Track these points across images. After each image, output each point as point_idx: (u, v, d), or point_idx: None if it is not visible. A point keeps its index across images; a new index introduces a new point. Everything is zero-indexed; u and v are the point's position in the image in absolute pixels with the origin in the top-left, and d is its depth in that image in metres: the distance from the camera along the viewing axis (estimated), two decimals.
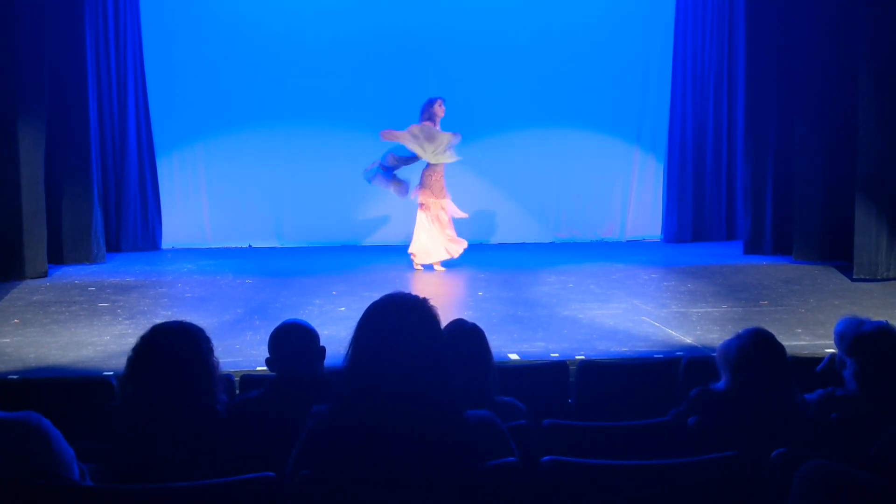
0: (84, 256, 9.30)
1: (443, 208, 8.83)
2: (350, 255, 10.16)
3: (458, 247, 8.90)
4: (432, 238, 8.83)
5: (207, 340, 2.93)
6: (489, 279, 8.55)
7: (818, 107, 9.20)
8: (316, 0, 10.64)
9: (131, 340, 2.92)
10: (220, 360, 2.97)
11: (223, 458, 2.67)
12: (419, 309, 2.43)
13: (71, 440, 2.43)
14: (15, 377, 5.21)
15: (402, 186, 8.85)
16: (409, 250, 8.98)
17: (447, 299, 7.80)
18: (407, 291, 2.49)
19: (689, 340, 6.26)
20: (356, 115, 10.73)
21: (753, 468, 2.64)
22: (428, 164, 8.76)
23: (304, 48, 10.62)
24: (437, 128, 8.60)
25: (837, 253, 9.14)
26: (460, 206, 9.06)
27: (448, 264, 8.93)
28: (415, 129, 8.53)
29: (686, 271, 8.93)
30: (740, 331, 3.30)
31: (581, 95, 10.96)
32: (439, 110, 8.66)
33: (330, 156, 10.75)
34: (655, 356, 5.69)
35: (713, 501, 2.66)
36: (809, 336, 6.35)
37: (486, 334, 3.47)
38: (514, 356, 5.78)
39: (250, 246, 10.74)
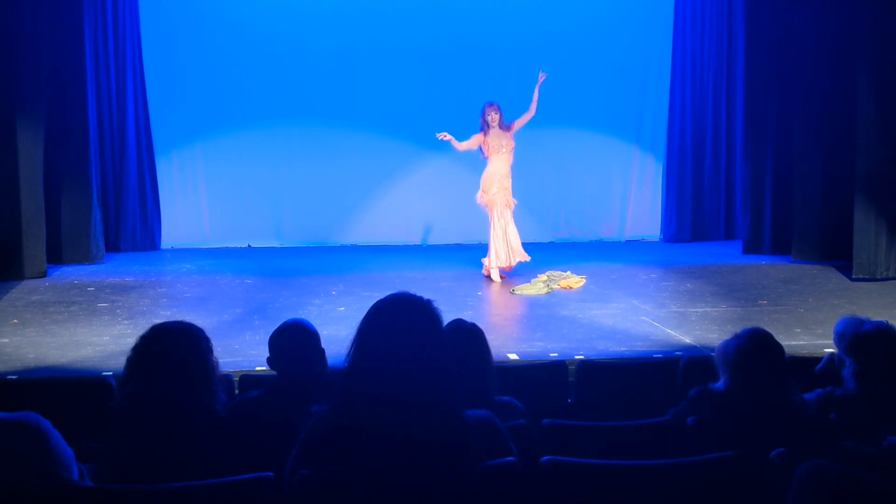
0: (83, 256, 9.29)
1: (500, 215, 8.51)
2: (350, 255, 10.16)
3: (509, 258, 8.48)
4: (492, 242, 8.50)
5: (207, 340, 2.93)
6: (488, 278, 8.54)
7: (817, 106, 9.20)
8: (315, 0, 10.64)
9: (130, 340, 2.92)
10: (220, 360, 2.97)
11: (222, 459, 2.67)
12: (423, 309, 2.43)
13: (70, 440, 2.43)
14: (14, 377, 5.20)
15: None
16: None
17: (447, 299, 7.80)
18: (411, 292, 2.48)
19: (688, 340, 6.27)
20: (356, 116, 10.74)
21: (752, 468, 2.64)
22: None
23: (303, 48, 10.62)
24: (494, 130, 8.45)
25: (836, 252, 9.14)
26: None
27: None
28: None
29: (685, 271, 8.93)
30: (739, 331, 3.30)
31: (580, 95, 10.96)
32: (488, 117, 8.48)
33: (330, 156, 10.75)
34: (654, 356, 5.70)
35: (712, 501, 2.66)
36: (808, 336, 6.35)
37: (486, 334, 3.47)
38: (513, 356, 5.79)
39: (249, 246, 10.73)
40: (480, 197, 8.62)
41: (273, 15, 10.57)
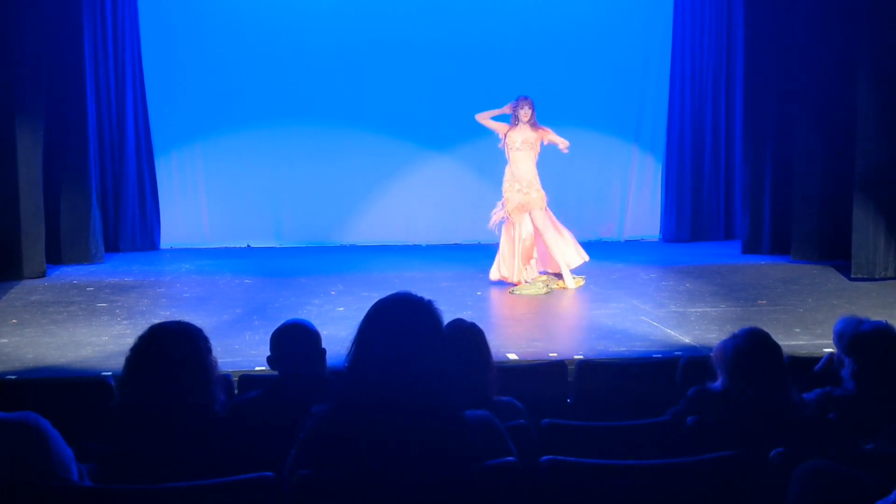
0: (82, 256, 9.29)
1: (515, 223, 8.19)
2: (349, 255, 10.15)
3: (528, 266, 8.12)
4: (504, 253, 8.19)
5: (206, 340, 2.94)
6: (488, 279, 8.54)
7: (817, 106, 9.19)
8: (315, 0, 10.64)
9: (129, 340, 2.92)
10: (219, 360, 2.97)
11: (221, 459, 2.68)
12: (423, 310, 2.43)
13: (69, 440, 2.43)
14: (13, 377, 5.20)
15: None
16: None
17: (446, 299, 7.79)
18: (411, 292, 2.48)
19: (687, 340, 6.27)
20: (356, 116, 10.73)
21: (751, 468, 2.65)
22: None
23: (303, 48, 10.61)
24: (521, 126, 8.03)
25: (836, 252, 9.14)
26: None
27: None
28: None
29: (684, 271, 8.93)
30: (736, 331, 3.30)
31: (580, 95, 10.96)
32: (520, 111, 8.04)
33: (329, 156, 10.75)
34: (654, 356, 5.70)
35: (711, 501, 2.66)
36: (808, 335, 6.35)
37: (486, 334, 3.47)
38: (512, 356, 5.79)
39: (249, 246, 10.73)
40: (501, 207, 8.18)
41: (273, 15, 10.56)
